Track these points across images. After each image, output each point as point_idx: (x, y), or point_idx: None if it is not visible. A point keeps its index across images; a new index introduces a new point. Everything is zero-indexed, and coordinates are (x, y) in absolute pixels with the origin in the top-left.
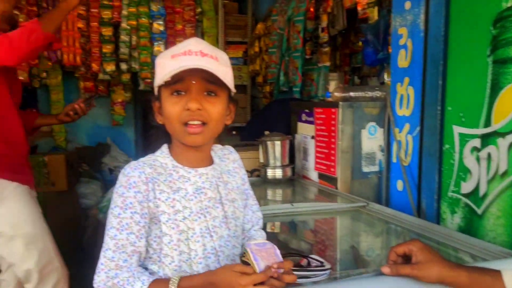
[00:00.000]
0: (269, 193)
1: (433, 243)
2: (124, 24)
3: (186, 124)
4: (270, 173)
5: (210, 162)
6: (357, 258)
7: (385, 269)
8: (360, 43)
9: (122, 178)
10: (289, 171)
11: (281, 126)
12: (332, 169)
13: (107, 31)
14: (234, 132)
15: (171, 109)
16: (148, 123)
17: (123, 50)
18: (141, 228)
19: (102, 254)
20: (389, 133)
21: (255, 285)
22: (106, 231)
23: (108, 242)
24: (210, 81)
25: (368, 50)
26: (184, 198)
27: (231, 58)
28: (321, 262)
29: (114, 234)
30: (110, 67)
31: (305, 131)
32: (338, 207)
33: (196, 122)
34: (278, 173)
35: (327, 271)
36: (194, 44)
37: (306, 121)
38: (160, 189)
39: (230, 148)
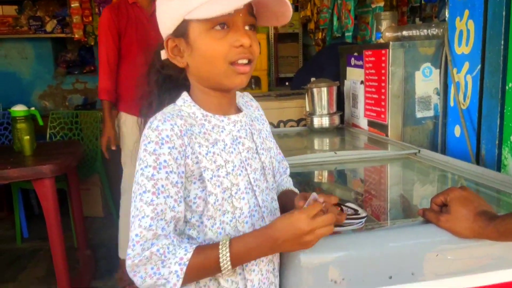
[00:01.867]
0: (316, 142)
1: (492, 192)
2: None
3: (232, 63)
4: (316, 121)
5: (238, 109)
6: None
7: (419, 211)
8: None
9: (150, 133)
10: (336, 119)
11: (331, 72)
12: (382, 116)
13: None
14: (287, 83)
15: (216, 46)
16: None
17: None
18: (179, 190)
19: (137, 223)
20: (446, 74)
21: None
22: (138, 197)
23: (145, 209)
24: (251, 13)
25: None
26: (223, 151)
27: None
28: (356, 210)
29: (151, 199)
30: None
31: (354, 76)
32: (384, 155)
33: (245, 61)
34: (325, 122)
35: (363, 220)
36: None
37: (355, 66)
38: (198, 142)
39: (249, 95)
